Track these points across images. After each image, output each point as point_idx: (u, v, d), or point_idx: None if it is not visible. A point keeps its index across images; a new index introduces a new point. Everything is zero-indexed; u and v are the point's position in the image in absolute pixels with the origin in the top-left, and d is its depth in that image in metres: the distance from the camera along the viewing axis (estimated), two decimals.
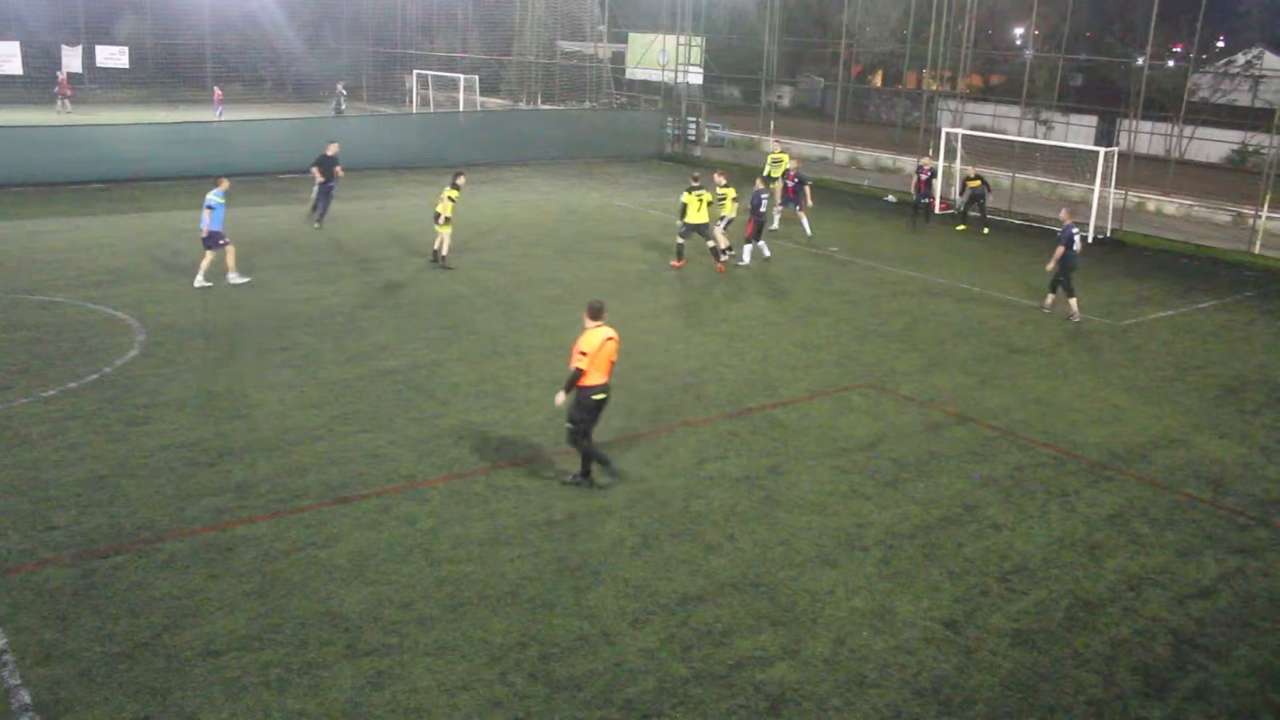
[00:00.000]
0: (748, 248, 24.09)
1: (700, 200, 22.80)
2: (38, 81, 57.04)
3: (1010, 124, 45.21)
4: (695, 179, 23.42)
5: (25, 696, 8.20)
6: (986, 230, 29.96)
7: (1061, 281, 20.69)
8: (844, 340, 18.53)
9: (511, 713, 8.19)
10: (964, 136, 34.20)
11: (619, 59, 55.88)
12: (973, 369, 17.30)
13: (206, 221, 20.15)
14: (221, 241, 20.42)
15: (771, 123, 44.54)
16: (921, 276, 23.82)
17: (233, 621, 9.27)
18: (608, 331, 12.07)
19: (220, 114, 48.41)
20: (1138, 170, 33.33)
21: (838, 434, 14.17)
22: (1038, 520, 11.97)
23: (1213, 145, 47.24)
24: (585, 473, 12.18)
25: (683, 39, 47.13)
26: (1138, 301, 23.03)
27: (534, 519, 11.31)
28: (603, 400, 11.99)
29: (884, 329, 19.37)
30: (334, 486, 11.95)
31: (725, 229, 24.16)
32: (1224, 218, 33.57)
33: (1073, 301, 20.76)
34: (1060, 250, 20.44)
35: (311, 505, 11.48)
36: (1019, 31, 61.64)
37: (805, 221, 27.46)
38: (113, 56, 64.65)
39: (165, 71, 65.61)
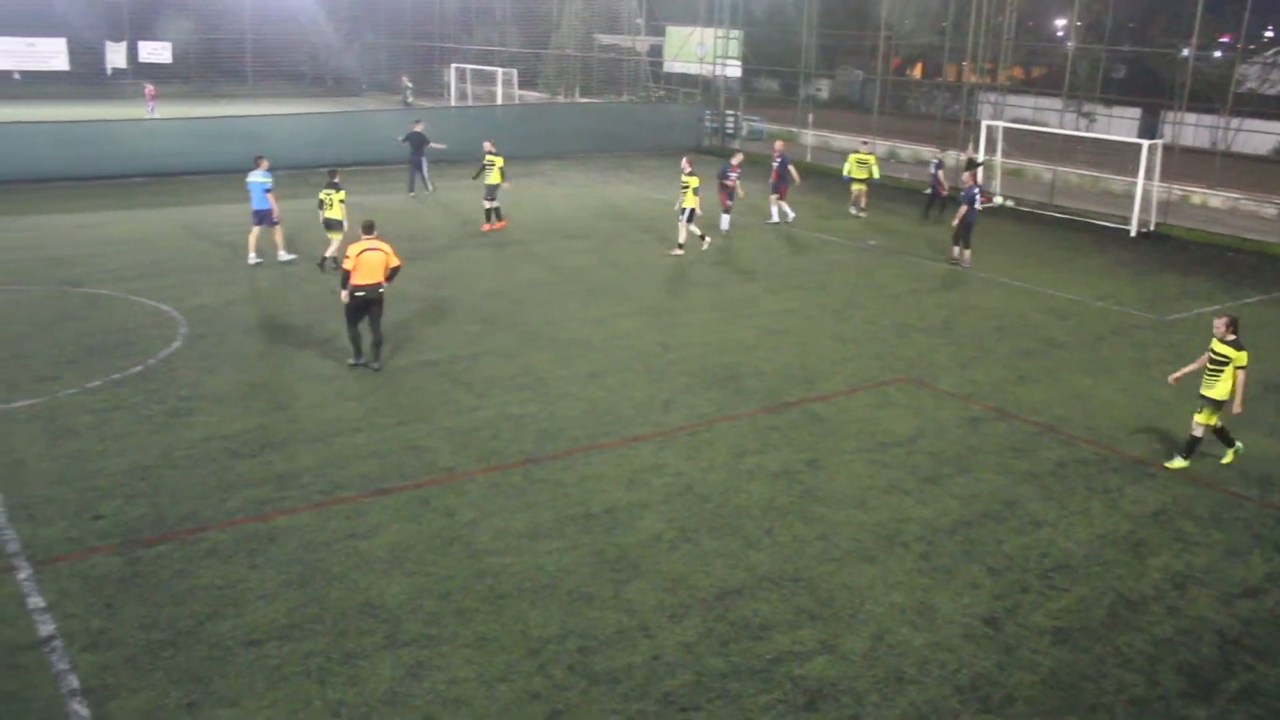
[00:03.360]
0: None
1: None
2: (83, 77, 57.72)
3: (1051, 116, 44.72)
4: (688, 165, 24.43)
5: (74, 681, 8.35)
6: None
7: (963, 236, 23.75)
8: (883, 334, 18.43)
9: (550, 704, 8.23)
10: (1004, 130, 33.88)
11: (656, 52, 55.77)
12: (1013, 364, 17.16)
13: (255, 201, 21.09)
14: (273, 220, 21.33)
15: (810, 116, 44.32)
16: (961, 270, 23.66)
17: (274, 611, 9.37)
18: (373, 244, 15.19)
19: (152, 110, 48.47)
20: (1183, 163, 32.89)
21: (877, 428, 14.11)
22: (1080, 517, 11.86)
23: (1260, 137, 46.45)
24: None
25: (720, 32, 46.98)
26: (1181, 296, 22.74)
27: (572, 512, 11.35)
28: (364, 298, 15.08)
29: (923, 323, 19.25)
30: (373, 478, 12.05)
31: (688, 221, 23.74)
32: (1271, 211, 33.06)
33: (967, 253, 23.91)
34: (963, 209, 23.46)
35: (351, 496, 11.57)
36: (1061, 23, 60.96)
37: (785, 206, 28.10)
38: (156, 52, 65.30)
39: (207, 66, 66.25)
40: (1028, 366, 17.06)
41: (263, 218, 21.32)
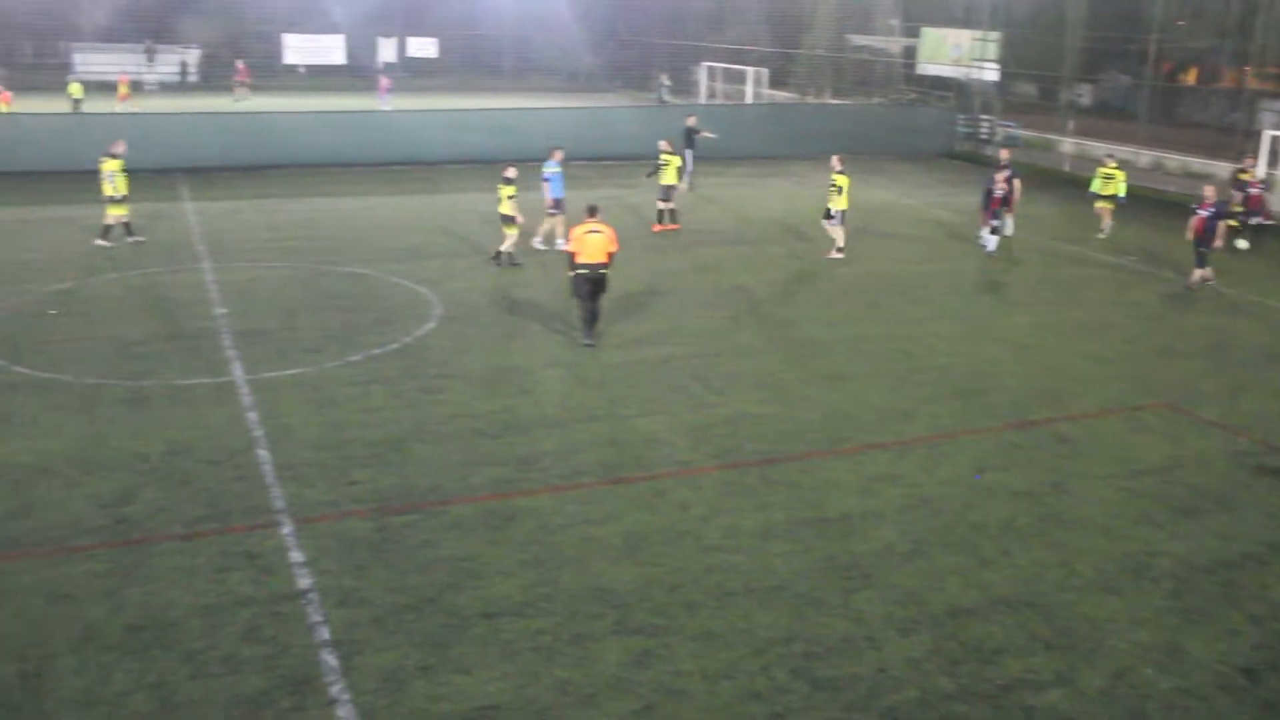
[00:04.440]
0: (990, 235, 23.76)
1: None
2: (358, 70, 61.40)
3: None
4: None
5: (325, 633, 8.93)
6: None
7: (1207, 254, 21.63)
8: (1140, 355, 17.46)
9: (770, 706, 8.22)
10: None
11: (910, 54, 54.61)
12: None
13: (547, 191, 22.16)
14: (555, 210, 22.36)
15: (1070, 123, 42.42)
16: (1230, 292, 22.08)
17: (509, 587, 9.73)
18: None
19: (385, 102, 49.70)
20: None
21: (1128, 454, 13.39)
22: None
23: None
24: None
25: (978, 34, 45.58)
26: None
27: (806, 516, 11.29)
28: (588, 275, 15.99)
29: (1185, 346, 18.13)
30: (611, 466, 12.33)
31: (840, 223, 23.20)
32: None
33: (1208, 271, 21.77)
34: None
35: (589, 483, 11.88)
36: None
37: (1009, 220, 25.87)
38: (423, 47, 68.83)
39: (470, 61, 69.29)
40: None
41: (556, 208, 22.30)
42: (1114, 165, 27.03)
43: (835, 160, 23.67)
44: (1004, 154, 26.83)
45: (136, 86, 58.03)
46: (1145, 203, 32.12)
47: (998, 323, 18.99)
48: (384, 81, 51.92)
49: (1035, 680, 8.68)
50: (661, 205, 25.78)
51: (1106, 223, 27.05)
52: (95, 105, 42.98)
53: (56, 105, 42.41)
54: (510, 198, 20.90)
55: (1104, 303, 20.78)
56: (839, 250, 23.43)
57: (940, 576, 10.20)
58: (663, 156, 25.86)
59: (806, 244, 24.89)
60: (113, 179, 21.79)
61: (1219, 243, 21.66)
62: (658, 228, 25.65)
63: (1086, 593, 10.06)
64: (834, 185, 23.04)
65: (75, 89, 43.70)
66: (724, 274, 21.60)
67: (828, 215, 23.35)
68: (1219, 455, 13.49)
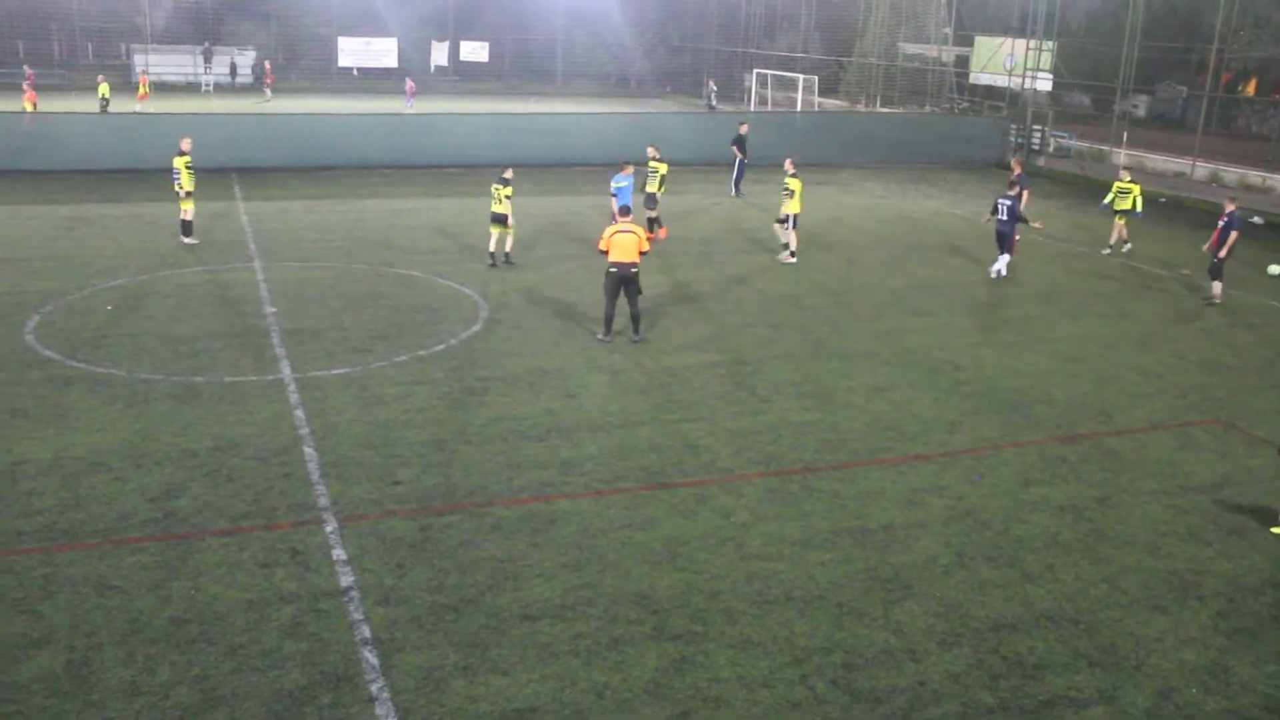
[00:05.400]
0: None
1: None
2: (410, 74, 61.96)
3: None
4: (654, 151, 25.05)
5: (366, 631, 8.99)
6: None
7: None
8: (1190, 370, 17.22)
9: (809, 716, 8.18)
10: None
11: (962, 63, 54.27)
12: None
13: (614, 202, 22.23)
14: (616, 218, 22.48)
15: (1125, 134, 41.93)
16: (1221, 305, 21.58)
17: (549, 590, 9.75)
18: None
19: (410, 105, 50.07)
20: None
21: (1177, 470, 13.20)
22: None
23: None
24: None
25: (1032, 43, 45.18)
26: None
27: (848, 525, 11.23)
28: (618, 274, 16.40)
29: (1238, 361, 17.85)
30: (653, 472, 12.34)
31: (793, 227, 23.01)
32: None
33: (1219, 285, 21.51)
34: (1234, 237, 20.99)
35: (631, 488, 11.90)
36: None
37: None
38: (474, 51, 69.35)
39: (520, 66, 69.70)
40: None
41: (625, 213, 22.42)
42: (1129, 179, 26.23)
43: (788, 163, 23.51)
44: (1015, 164, 26.30)
45: (194, 87, 59.05)
46: (1201, 216, 31.69)
47: (1045, 334, 18.79)
48: (410, 85, 52.48)
49: (1078, 697, 8.58)
50: (650, 214, 24.71)
51: (1116, 237, 26.18)
52: (160, 105, 43.74)
53: (116, 104, 43.22)
54: (508, 198, 21.25)
55: (1154, 316, 20.51)
56: (792, 255, 23.23)
57: (983, 590, 10.12)
58: (651, 164, 25.08)
59: (852, 253, 24.77)
60: (177, 176, 22.12)
61: (1223, 253, 21.12)
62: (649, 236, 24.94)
63: (1132, 610, 9.93)
64: (786, 189, 22.91)
65: (104, 89, 44.48)
66: (769, 281, 21.55)
67: (780, 220, 23.18)
68: (1270, 473, 13.25)
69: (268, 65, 57.73)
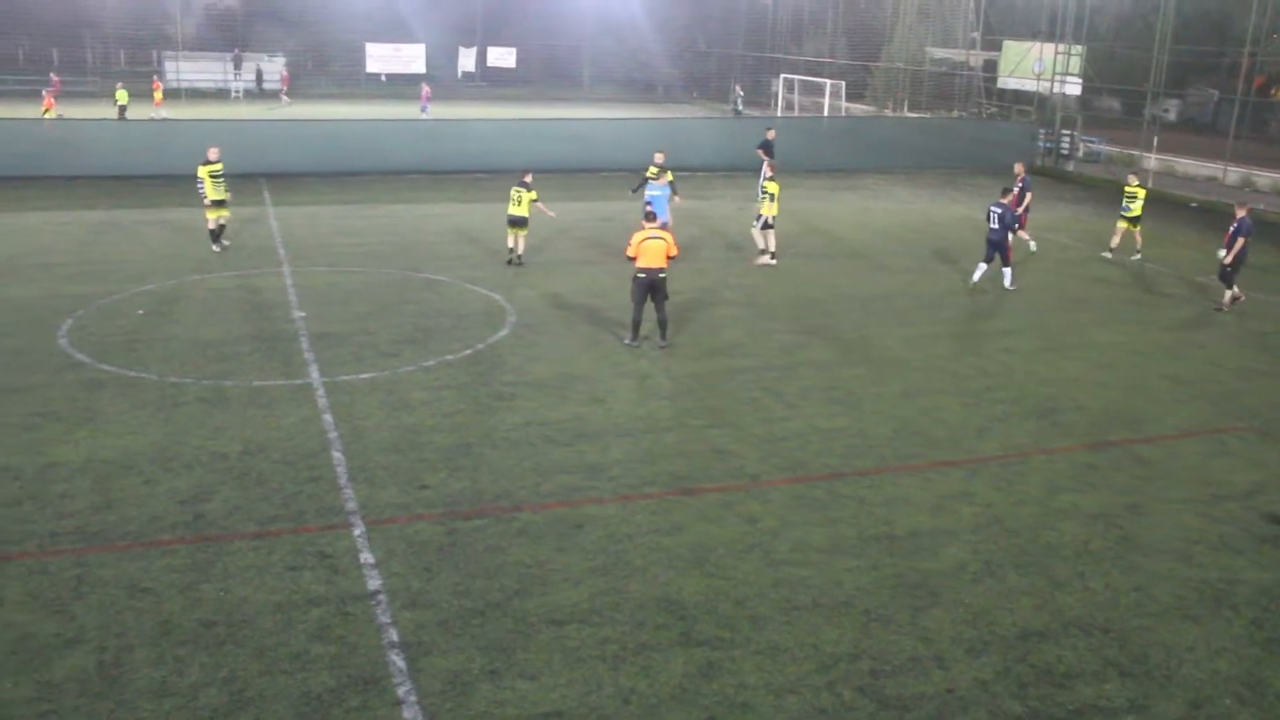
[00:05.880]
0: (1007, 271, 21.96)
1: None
2: (437, 79, 62.33)
3: None
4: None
5: (394, 635, 9.02)
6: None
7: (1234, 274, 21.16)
8: (1223, 377, 17.05)
9: None
10: None
11: (990, 67, 54.00)
12: None
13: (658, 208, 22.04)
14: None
15: (1155, 138, 41.61)
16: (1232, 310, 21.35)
17: (576, 594, 9.75)
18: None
19: (426, 111, 50.24)
20: None
21: (1209, 478, 13.07)
22: None
23: None
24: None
25: (1061, 47, 44.91)
26: None
27: (875, 532, 11.19)
28: (645, 280, 16.45)
29: (1272, 368, 17.65)
30: (680, 477, 12.33)
31: (764, 227, 22.92)
32: None
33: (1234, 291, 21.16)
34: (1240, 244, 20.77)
35: (657, 493, 11.89)
36: None
37: (1024, 236, 25.31)
38: (502, 57, 69.68)
39: (547, 71, 69.91)
40: None
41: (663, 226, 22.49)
42: (1136, 184, 25.53)
43: (766, 168, 23.37)
44: (1019, 168, 25.80)
45: (224, 94, 59.58)
46: (1232, 221, 31.34)
47: (1075, 340, 18.65)
48: (425, 90, 52.72)
49: (1108, 707, 8.50)
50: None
51: (1116, 242, 25.58)
52: (192, 112, 44.15)
53: (147, 111, 43.63)
54: (533, 201, 21.73)
55: (1184, 322, 20.34)
56: (772, 257, 23.12)
57: (1011, 597, 10.05)
58: (653, 170, 24.66)
59: (880, 258, 24.69)
60: (201, 185, 22.24)
61: (1227, 259, 20.87)
62: None
63: (1163, 619, 9.84)
64: (765, 192, 22.83)
65: (121, 95, 44.87)
66: (796, 287, 21.51)
67: (761, 222, 23.04)
68: None
69: (284, 72, 58.27)
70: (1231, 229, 20.98)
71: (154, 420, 13.46)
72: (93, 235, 24.36)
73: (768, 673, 8.71)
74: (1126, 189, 25.51)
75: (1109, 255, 25.63)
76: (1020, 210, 24.90)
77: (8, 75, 57.85)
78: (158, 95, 49.06)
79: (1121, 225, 25.49)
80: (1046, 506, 12.02)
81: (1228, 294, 21.23)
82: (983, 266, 21.73)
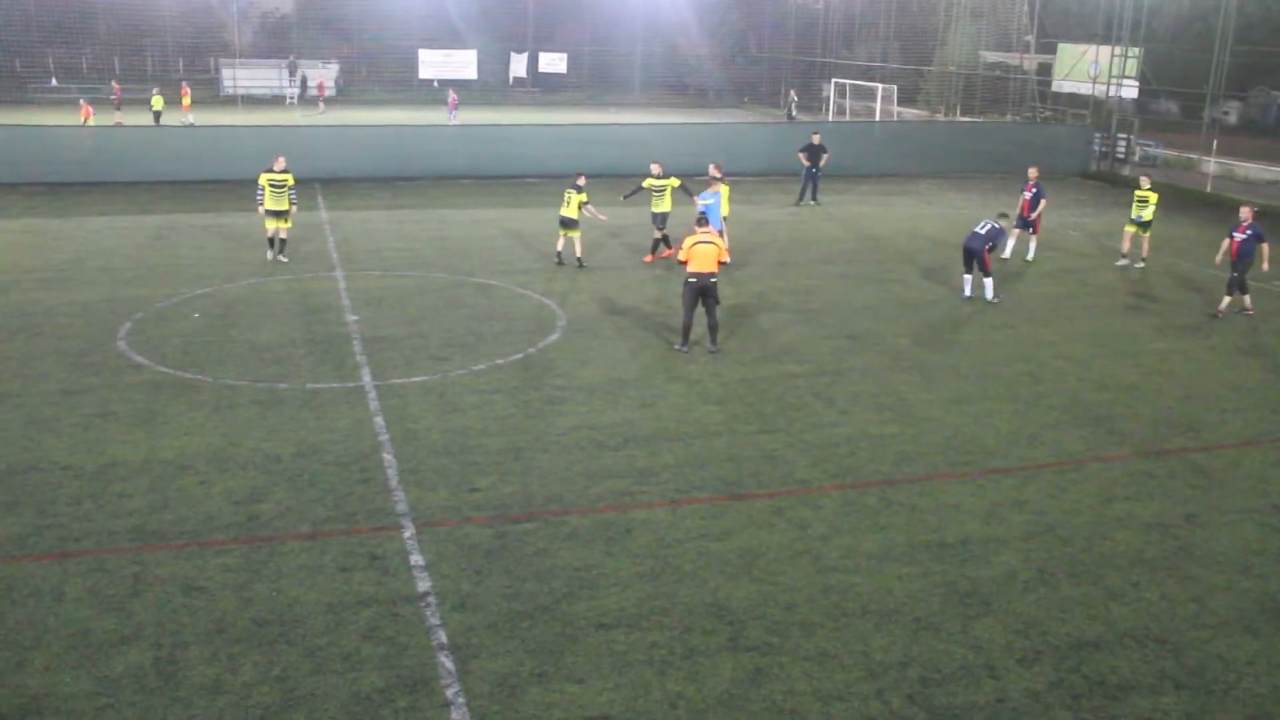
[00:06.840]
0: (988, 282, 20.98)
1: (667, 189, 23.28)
2: (489, 85, 62.74)
3: None
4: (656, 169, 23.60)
5: (443, 636, 9.09)
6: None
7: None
8: None
9: None
10: None
11: (1045, 71, 53.40)
12: None
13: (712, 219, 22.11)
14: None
15: (1214, 141, 40.93)
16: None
17: (625, 599, 9.76)
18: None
19: (454, 117, 50.35)
20: None
21: (1270, 488, 12.82)
22: None
23: None
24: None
25: (1118, 50, 44.32)
26: None
27: (926, 539, 11.09)
28: (696, 284, 16.36)
29: None
30: (729, 482, 12.31)
31: (663, 226, 23.10)
32: None
33: (1246, 298, 20.56)
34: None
35: (707, 498, 11.88)
36: None
37: (1032, 245, 24.98)
38: (553, 63, 70.01)
39: (598, 77, 70.12)
40: None
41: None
42: (1148, 187, 24.18)
43: (713, 168, 23.25)
44: (1032, 172, 25.26)
45: (279, 100, 60.44)
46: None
47: (1131, 347, 18.38)
48: (452, 97, 53.00)
49: None
50: (657, 234, 23.42)
51: (1128, 247, 24.61)
52: (247, 119, 44.77)
53: (204, 118, 44.29)
54: (582, 204, 21.88)
55: (1245, 329, 19.95)
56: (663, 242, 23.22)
57: (1064, 607, 9.92)
58: (650, 182, 23.38)
59: (931, 264, 24.48)
60: (261, 192, 22.42)
61: (1265, 266, 20.38)
62: (649, 258, 23.52)
63: (1221, 631, 9.66)
64: (658, 190, 22.86)
65: (157, 101, 45.45)
66: (846, 292, 21.39)
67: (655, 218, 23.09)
68: None
69: (320, 80, 59.07)
70: (1243, 237, 20.18)
71: (210, 422, 13.66)
72: (151, 240, 24.79)
73: (816, 680, 8.67)
74: (1138, 193, 24.20)
75: (1124, 263, 24.61)
76: (1033, 216, 24.81)
77: (71, 84, 59.09)
78: (185, 101, 49.79)
79: (1130, 230, 24.35)
80: (1101, 515, 11.85)
81: (1226, 300, 20.57)
82: (967, 278, 21.19)
